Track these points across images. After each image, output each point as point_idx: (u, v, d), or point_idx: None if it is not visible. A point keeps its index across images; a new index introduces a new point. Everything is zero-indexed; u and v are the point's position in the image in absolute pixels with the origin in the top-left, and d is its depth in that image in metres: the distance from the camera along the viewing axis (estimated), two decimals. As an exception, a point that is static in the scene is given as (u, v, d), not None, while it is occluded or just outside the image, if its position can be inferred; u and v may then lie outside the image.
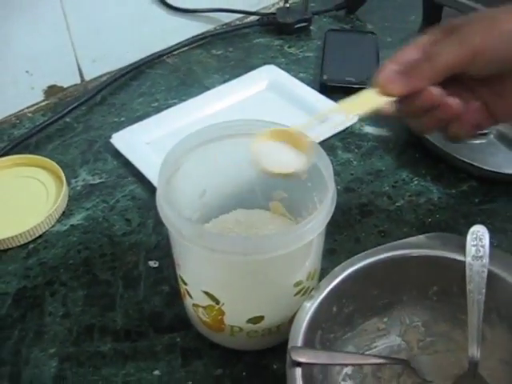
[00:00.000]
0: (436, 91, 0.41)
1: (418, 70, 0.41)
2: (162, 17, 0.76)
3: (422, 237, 0.46)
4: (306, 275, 0.41)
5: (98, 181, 0.60)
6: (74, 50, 0.72)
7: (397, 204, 0.57)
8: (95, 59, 0.74)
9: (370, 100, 0.42)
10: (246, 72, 0.73)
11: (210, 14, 0.81)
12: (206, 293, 0.40)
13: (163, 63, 0.78)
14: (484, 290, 0.42)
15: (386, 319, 0.46)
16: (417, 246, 0.45)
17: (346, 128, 0.65)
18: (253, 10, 0.85)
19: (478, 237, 0.44)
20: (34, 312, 0.48)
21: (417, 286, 0.45)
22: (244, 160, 0.42)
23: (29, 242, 0.54)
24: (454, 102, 0.42)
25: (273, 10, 0.87)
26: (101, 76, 0.75)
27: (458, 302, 0.43)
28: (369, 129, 0.66)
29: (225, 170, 0.45)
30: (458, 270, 0.43)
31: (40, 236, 0.55)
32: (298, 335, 0.38)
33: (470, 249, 0.44)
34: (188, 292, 0.42)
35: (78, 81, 0.74)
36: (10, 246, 0.53)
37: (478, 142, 0.65)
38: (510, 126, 0.65)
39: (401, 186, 0.59)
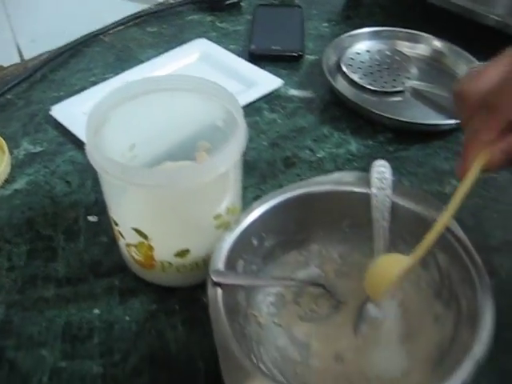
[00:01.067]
0: None
1: None
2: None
3: (332, 175, 0.51)
4: (225, 209, 0.45)
5: (39, 149, 0.64)
6: (12, 31, 0.74)
7: (318, 155, 0.62)
8: (34, 39, 0.77)
9: None
10: (179, 46, 0.77)
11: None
12: (135, 229, 0.44)
13: (100, 41, 0.81)
14: (388, 218, 0.48)
15: (304, 252, 0.51)
16: (327, 183, 0.50)
17: (272, 91, 0.70)
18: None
19: (381, 171, 0.50)
20: (-21, 267, 0.52)
21: (330, 220, 0.50)
22: (171, 113, 0.46)
23: (-27, 207, 0.57)
24: None
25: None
26: (40, 55, 0.78)
27: (369, 234, 0.48)
28: (293, 91, 0.71)
29: (153, 124, 0.49)
30: (365, 202, 0.49)
31: (-16, 201, 0.58)
32: (218, 260, 0.43)
33: (374, 181, 0.49)
34: (120, 233, 0.46)
35: (18, 60, 0.77)
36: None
37: (394, 99, 0.70)
38: (425, 84, 0.71)
39: (322, 139, 0.64)
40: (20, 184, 0.60)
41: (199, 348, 0.46)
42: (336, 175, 0.51)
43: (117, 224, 0.46)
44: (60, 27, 0.78)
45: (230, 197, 0.45)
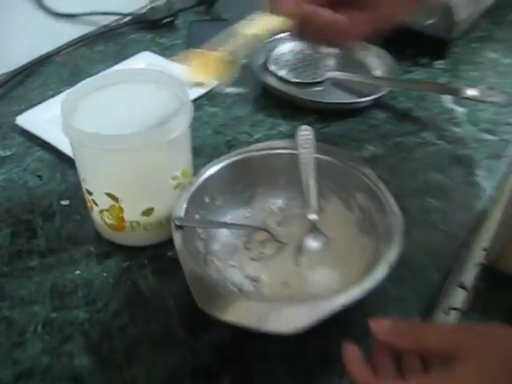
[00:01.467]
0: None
1: None
2: (49, 21, 0.89)
3: (266, 142, 0.62)
4: (180, 172, 0.55)
5: (9, 153, 0.72)
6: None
7: (254, 137, 0.73)
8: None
9: (267, 21, 0.55)
10: (122, 60, 0.87)
11: (90, 17, 0.94)
12: (108, 194, 0.53)
13: (53, 62, 0.90)
14: (313, 172, 0.58)
15: (249, 208, 0.61)
16: (263, 149, 0.60)
17: (211, 90, 0.80)
18: (127, 11, 0.99)
19: (305, 134, 0.60)
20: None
21: (268, 179, 0.61)
22: (132, 102, 0.56)
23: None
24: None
25: (144, 10, 1.01)
26: (-3, 77, 0.86)
27: (301, 189, 0.59)
28: (228, 90, 0.81)
29: (116, 112, 0.58)
30: (295, 162, 0.59)
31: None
32: (179, 210, 0.52)
33: (300, 143, 0.60)
34: (94, 201, 0.55)
35: (-22, 81, 0.85)
36: None
37: (317, 88, 0.82)
38: (341, 73, 0.83)
39: (257, 124, 0.75)
40: (-5, 180, 0.68)
41: (168, 290, 0.54)
42: (269, 143, 0.62)
43: (91, 193, 0.55)
44: (14, 51, 0.87)
45: (183, 161, 0.55)
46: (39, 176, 0.68)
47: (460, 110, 0.79)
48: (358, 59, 0.87)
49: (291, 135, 0.70)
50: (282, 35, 0.87)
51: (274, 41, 0.88)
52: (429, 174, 0.68)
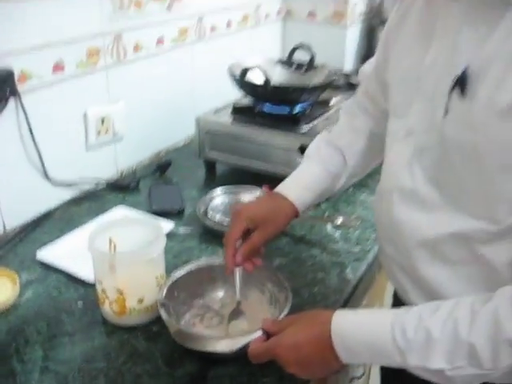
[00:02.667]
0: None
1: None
2: (49, 187, 1.26)
3: (210, 258, 0.99)
4: (159, 275, 0.91)
5: (34, 277, 1.05)
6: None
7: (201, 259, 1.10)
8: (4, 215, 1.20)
9: None
10: (104, 212, 1.24)
11: (78, 183, 1.33)
12: (117, 289, 0.88)
13: (53, 215, 1.26)
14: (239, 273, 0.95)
15: (201, 300, 0.96)
16: (207, 262, 0.98)
17: (169, 231, 1.18)
18: (104, 178, 1.38)
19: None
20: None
21: (213, 280, 0.97)
22: (126, 239, 0.93)
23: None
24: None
25: (115, 177, 1.41)
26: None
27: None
28: (181, 229, 1.19)
29: (123, 241, 0.94)
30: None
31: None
32: (161, 296, 0.88)
33: (232, 255, 0.97)
34: (107, 296, 0.89)
35: (1, 230, 1.18)
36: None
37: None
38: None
39: (203, 250, 1.12)
40: (26, 297, 1.00)
41: (154, 347, 0.88)
42: (211, 258, 0.99)
43: (104, 291, 0.89)
44: (15, 214, 1.22)
45: (161, 269, 0.92)
46: (59, 289, 1.01)
47: (337, 233, 1.20)
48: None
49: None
50: (216, 190, 1.28)
51: (210, 194, 1.28)
52: (315, 273, 1.07)
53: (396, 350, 0.67)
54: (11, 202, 1.19)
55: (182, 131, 1.66)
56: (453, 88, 0.68)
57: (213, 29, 1.70)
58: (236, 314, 0.91)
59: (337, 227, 1.22)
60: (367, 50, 2.17)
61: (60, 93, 1.24)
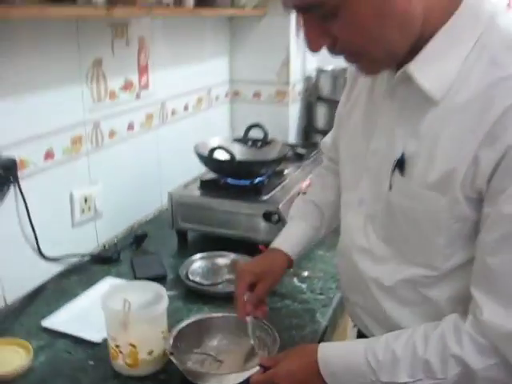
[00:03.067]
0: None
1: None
2: (42, 263, 1.39)
3: (204, 314, 1.15)
4: (164, 329, 1.06)
5: (43, 343, 1.17)
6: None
7: (189, 316, 1.25)
8: None
9: None
10: (93, 283, 1.38)
11: (66, 258, 1.46)
12: (131, 344, 1.02)
13: (47, 288, 1.38)
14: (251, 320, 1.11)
15: (199, 349, 1.11)
16: (200, 317, 1.14)
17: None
18: (88, 252, 1.52)
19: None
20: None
21: (208, 331, 1.13)
22: (137, 298, 1.08)
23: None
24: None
25: (98, 250, 1.55)
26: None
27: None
28: (168, 293, 1.34)
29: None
30: (222, 321, 1.12)
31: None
32: (169, 346, 1.03)
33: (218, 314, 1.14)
34: (120, 350, 1.03)
35: (3, 304, 1.30)
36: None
37: (219, 287, 1.38)
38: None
39: (189, 310, 1.28)
40: (40, 359, 1.12)
41: (166, 393, 1.02)
42: (205, 314, 1.15)
43: (118, 346, 1.03)
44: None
45: (164, 323, 1.07)
46: (68, 352, 1.14)
47: (303, 285, 1.38)
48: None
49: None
50: (196, 257, 1.45)
51: (189, 260, 1.44)
52: (291, 319, 1.24)
53: (370, 369, 0.85)
54: (11, 277, 1.31)
55: (151, 205, 1.84)
56: (394, 169, 0.88)
57: (173, 112, 1.91)
58: (251, 354, 1.08)
59: (303, 280, 1.41)
60: (307, 123, 2.44)
61: (50, 177, 1.39)
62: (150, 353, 1.04)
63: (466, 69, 0.79)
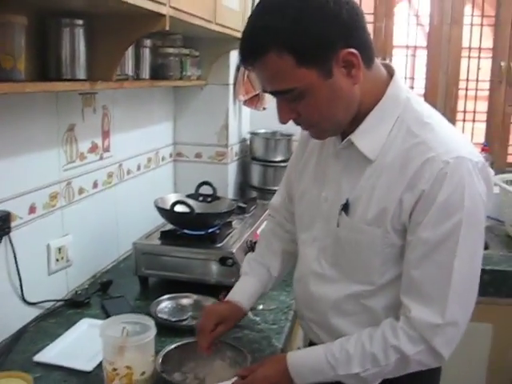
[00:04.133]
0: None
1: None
2: (24, 307, 1.54)
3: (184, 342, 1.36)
4: (153, 354, 1.26)
5: (38, 375, 1.32)
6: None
7: (163, 346, 1.45)
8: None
9: None
10: (70, 325, 1.54)
11: (43, 303, 1.61)
12: (127, 366, 1.21)
13: (28, 330, 1.52)
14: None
15: (184, 368, 1.31)
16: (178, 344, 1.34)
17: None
18: (61, 298, 1.68)
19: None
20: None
21: (192, 356, 1.33)
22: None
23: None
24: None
25: (70, 295, 1.71)
26: None
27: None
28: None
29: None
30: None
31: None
32: (159, 366, 1.22)
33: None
34: (117, 373, 1.21)
35: None
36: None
37: (185, 319, 1.59)
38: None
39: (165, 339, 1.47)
40: (39, 388, 1.27)
41: (158, 407, 1.21)
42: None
43: (115, 369, 1.21)
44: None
45: (153, 349, 1.26)
46: (64, 381, 1.30)
47: (258, 318, 1.62)
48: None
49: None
50: (163, 298, 1.65)
51: (157, 299, 1.64)
52: (252, 345, 1.47)
53: (329, 366, 1.11)
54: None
55: (110, 255, 2.02)
56: (341, 211, 1.16)
57: (128, 172, 2.13)
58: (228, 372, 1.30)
59: (257, 314, 1.64)
60: (243, 180, 2.72)
61: (33, 229, 1.57)
62: (143, 374, 1.23)
63: (391, 137, 1.11)
